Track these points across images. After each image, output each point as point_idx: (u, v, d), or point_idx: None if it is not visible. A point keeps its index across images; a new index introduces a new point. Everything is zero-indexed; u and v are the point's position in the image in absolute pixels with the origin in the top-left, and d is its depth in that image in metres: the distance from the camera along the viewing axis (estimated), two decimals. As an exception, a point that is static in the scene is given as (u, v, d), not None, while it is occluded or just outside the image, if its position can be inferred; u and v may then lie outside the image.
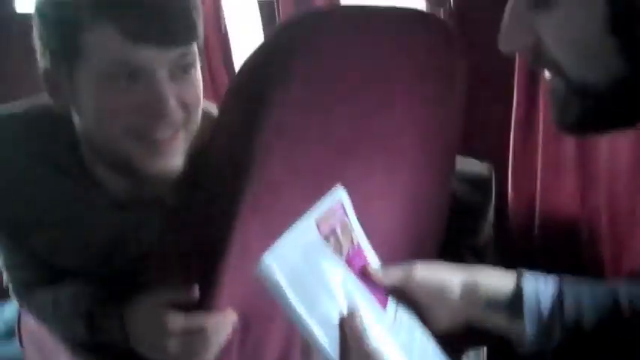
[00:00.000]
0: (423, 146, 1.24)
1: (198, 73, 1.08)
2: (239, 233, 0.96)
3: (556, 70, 0.78)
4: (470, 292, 0.99)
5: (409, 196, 1.25)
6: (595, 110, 0.78)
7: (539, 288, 0.97)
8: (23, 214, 1.13)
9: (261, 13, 2.12)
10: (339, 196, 0.98)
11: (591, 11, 0.72)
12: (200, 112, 1.09)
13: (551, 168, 1.48)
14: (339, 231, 0.95)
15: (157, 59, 0.99)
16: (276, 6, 2.05)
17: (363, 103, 1.08)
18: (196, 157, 1.09)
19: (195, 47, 1.06)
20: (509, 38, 0.80)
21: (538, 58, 0.79)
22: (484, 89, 1.32)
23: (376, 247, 1.06)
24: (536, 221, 1.53)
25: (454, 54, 1.22)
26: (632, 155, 1.39)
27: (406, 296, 1.01)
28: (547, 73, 0.82)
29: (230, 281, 0.98)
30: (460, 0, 1.52)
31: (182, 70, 1.03)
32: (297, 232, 0.89)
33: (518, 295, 0.97)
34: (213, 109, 1.21)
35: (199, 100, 1.08)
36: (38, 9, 1.03)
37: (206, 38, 2.25)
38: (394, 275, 1.01)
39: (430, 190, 1.30)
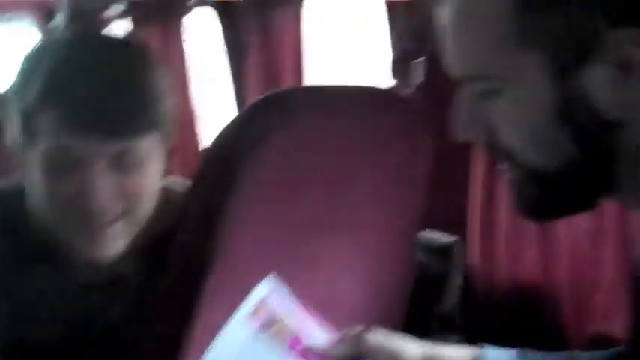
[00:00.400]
0: (387, 222, 1.25)
1: (147, 165, 1.05)
2: (206, 311, 0.96)
3: (510, 156, 0.80)
4: None
5: (374, 270, 1.26)
6: (552, 195, 0.80)
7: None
8: None
9: (233, 91, 2.15)
10: (267, 287, 0.97)
11: (538, 99, 0.75)
12: (150, 201, 1.07)
13: (514, 239, 1.51)
14: (275, 320, 0.95)
15: (95, 151, 0.98)
16: (246, 86, 2.09)
17: (328, 182, 1.10)
18: (162, 236, 1.09)
19: (146, 141, 1.02)
20: (464, 128, 0.83)
21: (491, 146, 0.82)
22: (447, 164, 1.36)
23: (343, 320, 1.06)
24: (500, 290, 1.55)
25: (418, 133, 1.24)
26: (592, 225, 1.43)
27: None
28: (504, 163, 0.84)
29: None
30: (429, 77, 1.56)
31: (126, 162, 1.01)
32: (230, 332, 0.89)
33: None
34: (178, 186, 1.21)
35: (144, 192, 1.06)
36: (5, 91, 1.06)
37: (176, 116, 2.29)
38: (346, 346, 0.99)
39: (395, 264, 1.31)
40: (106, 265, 1.06)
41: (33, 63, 1.03)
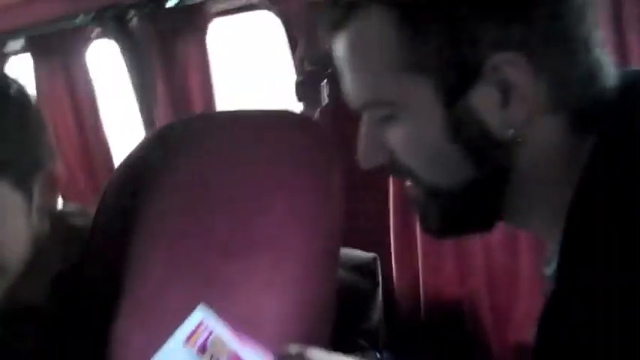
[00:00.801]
0: (306, 242, 1.25)
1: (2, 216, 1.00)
2: (121, 338, 0.94)
3: (411, 177, 0.82)
4: None
5: (295, 291, 1.25)
6: (452, 212, 0.82)
7: None
8: None
9: (142, 119, 2.13)
10: (201, 315, 0.96)
11: (429, 123, 0.77)
12: (16, 252, 1.03)
13: (431, 252, 1.53)
14: (210, 346, 0.94)
15: None
16: (154, 110, 2.07)
17: (241, 205, 1.09)
18: (69, 268, 1.06)
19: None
20: (367, 155, 0.85)
21: (395, 169, 0.84)
22: (363, 183, 1.37)
23: (266, 341, 1.05)
24: (422, 303, 1.56)
25: (328, 153, 1.25)
26: (505, 234, 1.45)
27: None
28: (408, 182, 0.86)
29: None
30: (335, 98, 1.58)
31: None
32: (165, 356, 0.88)
33: None
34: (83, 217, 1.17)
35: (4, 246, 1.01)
36: None
37: (88, 147, 2.26)
38: None
39: (316, 284, 1.31)
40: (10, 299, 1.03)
41: None
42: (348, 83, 0.83)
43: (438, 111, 0.76)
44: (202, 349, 0.93)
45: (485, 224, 0.85)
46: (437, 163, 0.79)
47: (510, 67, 0.74)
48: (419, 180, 0.82)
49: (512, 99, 0.74)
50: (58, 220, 1.10)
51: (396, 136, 0.80)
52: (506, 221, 0.86)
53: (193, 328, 0.94)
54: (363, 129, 0.84)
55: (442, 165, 0.79)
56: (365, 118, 0.84)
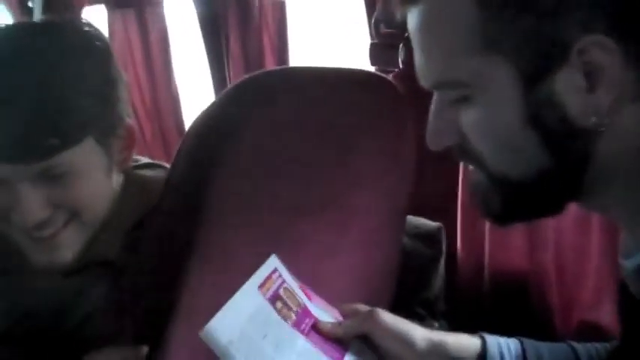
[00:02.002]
0: (373, 205, 1.25)
1: (84, 171, 0.99)
2: (189, 292, 0.95)
3: (479, 164, 0.80)
4: (437, 348, 0.97)
5: (360, 254, 1.25)
6: (516, 203, 0.80)
7: (503, 349, 0.97)
8: None
9: (212, 74, 2.13)
10: (273, 264, 0.97)
11: (508, 107, 0.74)
12: (99, 202, 1.03)
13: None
14: (283, 295, 0.95)
15: (14, 173, 0.94)
16: (226, 67, 2.07)
17: (313, 163, 1.09)
18: (142, 221, 1.07)
19: (75, 150, 0.96)
20: (436, 136, 0.83)
21: (463, 153, 0.82)
22: (433, 150, 1.34)
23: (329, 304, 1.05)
24: (486, 277, 1.54)
25: (403, 116, 1.24)
26: (578, 211, 1.42)
27: (371, 344, 0.98)
28: (471, 165, 0.84)
29: (179, 343, 0.97)
30: (409, 63, 1.55)
31: (52, 177, 0.96)
32: (241, 298, 0.88)
33: (482, 354, 0.97)
34: (158, 172, 1.19)
35: (85, 197, 1.01)
36: None
37: (157, 99, 2.28)
38: (356, 323, 0.98)
39: (380, 249, 1.31)
40: (60, 268, 1.04)
41: None
42: (421, 60, 0.81)
43: (517, 94, 0.74)
44: (275, 296, 0.93)
45: (551, 213, 0.83)
46: (510, 149, 0.77)
47: (599, 50, 0.70)
48: (486, 167, 0.79)
49: (598, 85, 0.71)
50: (130, 174, 1.11)
51: (469, 119, 0.78)
52: (580, 206, 0.84)
53: (266, 275, 0.94)
54: (434, 109, 0.82)
55: (516, 152, 0.76)
56: (436, 97, 0.82)
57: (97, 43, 1.02)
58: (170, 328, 0.96)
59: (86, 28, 1.03)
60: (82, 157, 0.98)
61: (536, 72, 0.73)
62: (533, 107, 0.73)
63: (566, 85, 0.72)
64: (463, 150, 0.81)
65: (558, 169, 0.76)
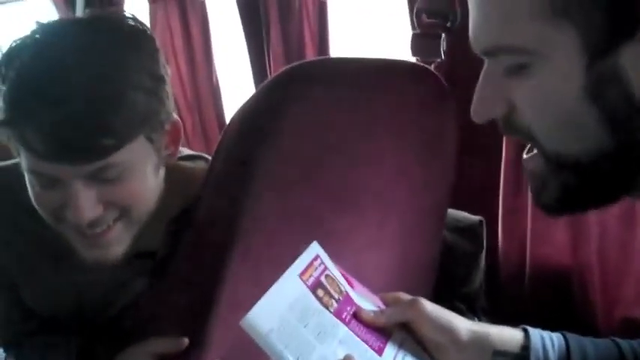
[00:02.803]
0: (414, 199, 1.24)
1: (134, 170, 0.99)
2: (230, 283, 0.95)
3: (529, 138, 0.76)
4: (480, 339, 0.95)
5: (400, 248, 1.25)
6: (575, 187, 0.76)
7: (546, 342, 0.96)
8: (12, 265, 1.13)
9: (252, 65, 2.13)
10: (315, 251, 0.96)
11: (568, 79, 0.71)
12: (147, 200, 1.03)
13: (542, 218, 1.48)
14: (324, 282, 0.94)
15: (68, 172, 0.94)
16: (267, 60, 2.07)
17: (353, 155, 1.08)
18: (184, 211, 1.08)
19: (127, 149, 0.96)
20: (482, 107, 0.78)
21: (511, 126, 0.78)
22: (475, 142, 1.33)
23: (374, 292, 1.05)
24: (527, 271, 1.52)
25: (445, 107, 1.22)
26: (622, 206, 1.39)
27: (413, 333, 0.97)
28: (525, 155, 0.80)
29: (220, 332, 0.97)
30: (451, 54, 1.54)
31: (107, 174, 0.96)
32: (282, 286, 0.88)
33: (525, 346, 0.95)
34: (200, 163, 1.19)
35: (135, 196, 1.01)
36: None
37: (198, 90, 2.29)
38: (398, 311, 0.97)
39: (421, 242, 1.30)
40: (111, 264, 1.05)
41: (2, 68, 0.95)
42: (478, 22, 0.76)
43: (580, 66, 0.69)
44: (316, 284, 0.93)
45: (609, 201, 0.79)
46: (567, 126, 0.72)
47: None
48: (538, 143, 0.75)
49: None
50: (172, 166, 1.11)
51: (524, 90, 0.74)
52: (634, 197, 0.80)
53: (308, 263, 0.94)
54: (483, 77, 0.78)
55: (573, 129, 0.72)
56: (488, 64, 0.78)
57: (145, 38, 1.02)
58: (211, 319, 0.96)
59: (132, 22, 1.02)
60: (133, 155, 0.98)
61: (603, 43, 0.68)
62: (595, 81, 0.69)
63: (633, 61, 0.68)
64: (511, 123, 0.77)
65: (618, 150, 0.72)
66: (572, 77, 0.70)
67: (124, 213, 1.01)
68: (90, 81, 0.91)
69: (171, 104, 1.04)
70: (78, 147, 0.91)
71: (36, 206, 1.01)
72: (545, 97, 0.73)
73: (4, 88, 0.93)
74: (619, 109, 0.70)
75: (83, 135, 0.91)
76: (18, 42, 0.96)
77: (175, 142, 1.08)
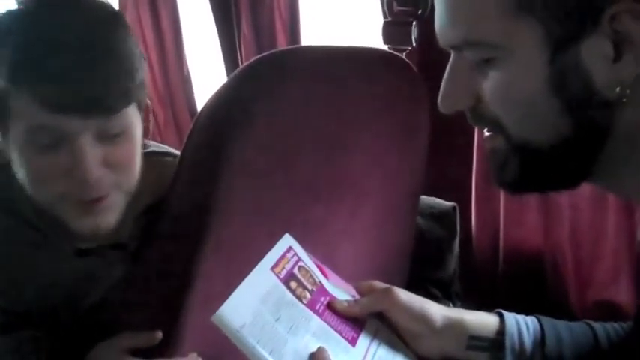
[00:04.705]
0: (388, 187, 1.24)
1: (132, 134, 1.03)
2: (202, 274, 0.95)
3: (497, 127, 0.78)
4: (455, 325, 0.96)
5: (374, 235, 1.25)
6: (534, 170, 0.78)
7: (521, 326, 0.97)
8: None
9: (223, 55, 2.12)
10: (287, 243, 0.96)
11: (532, 72, 0.73)
12: (136, 170, 1.05)
13: (514, 202, 1.49)
14: (297, 274, 0.94)
15: (78, 126, 0.95)
16: (238, 48, 2.06)
17: (327, 144, 1.08)
18: (155, 203, 1.07)
19: (128, 111, 1.00)
20: (450, 98, 0.80)
21: (478, 117, 0.80)
22: (446, 129, 1.33)
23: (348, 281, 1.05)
24: (501, 255, 1.53)
25: (417, 94, 1.23)
26: (593, 188, 1.40)
27: (388, 321, 0.97)
28: (487, 132, 0.82)
29: (194, 324, 0.97)
30: (422, 42, 1.54)
31: (112, 133, 0.99)
32: (253, 280, 0.88)
33: (500, 331, 0.96)
34: (171, 154, 1.19)
35: (132, 160, 1.04)
36: None
37: (169, 82, 2.28)
38: (371, 300, 0.97)
39: (395, 230, 1.31)
40: (102, 235, 1.04)
41: None
42: (445, 17, 0.78)
43: (544, 59, 0.72)
44: (289, 276, 0.92)
45: (567, 185, 0.81)
46: (531, 115, 0.75)
47: (631, 18, 0.69)
48: (505, 131, 0.77)
49: (624, 54, 0.70)
50: (145, 159, 1.11)
51: (490, 82, 0.76)
52: (593, 182, 0.82)
53: (280, 255, 0.94)
54: (450, 70, 0.80)
55: (536, 119, 0.75)
56: (454, 57, 0.80)
57: (122, 17, 1.06)
58: (184, 312, 0.96)
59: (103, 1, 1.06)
60: (131, 118, 1.01)
61: (565, 37, 0.71)
62: (558, 73, 0.72)
63: (594, 53, 0.71)
64: (478, 114, 0.79)
65: (578, 138, 0.74)
66: (536, 70, 0.73)
67: (120, 179, 1.02)
68: (101, 38, 0.97)
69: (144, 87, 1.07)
70: (94, 97, 0.94)
71: (29, 179, 1.00)
72: (509, 89, 0.75)
73: (8, 50, 0.95)
74: (579, 99, 0.73)
75: (100, 85, 0.94)
76: (14, 10, 1.00)
77: (146, 121, 1.10)
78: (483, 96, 0.77)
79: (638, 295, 0.80)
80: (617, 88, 0.71)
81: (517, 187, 0.83)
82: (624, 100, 0.72)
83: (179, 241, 1.00)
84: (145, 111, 1.08)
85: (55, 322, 1.13)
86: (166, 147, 1.22)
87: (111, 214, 1.03)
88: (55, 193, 1.00)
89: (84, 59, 0.93)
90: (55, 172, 0.98)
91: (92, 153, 0.97)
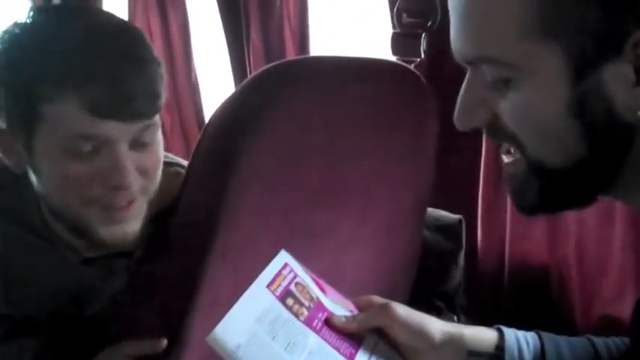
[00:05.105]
0: (394, 197, 1.24)
1: (158, 140, 1.06)
2: (208, 282, 0.95)
3: (514, 143, 0.78)
4: (454, 340, 0.96)
5: (379, 245, 1.25)
6: (553, 190, 0.78)
7: (521, 342, 0.96)
8: None
9: (232, 64, 2.13)
10: (284, 260, 0.95)
11: (553, 96, 0.72)
12: (159, 175, 1.08)
13: (521, 217, 1.48)
14: (294, 290, 0.93)
15: (119, 132, 0.98)
16: (247, 57, 2.06)
17: (335, 153, 1.08)
18: (167, 210, 1.07)
19: (157, 117, 1.04)
20: (466, 115, 0.79)
21: (495, 133, 0.79)
22: (454, 141, 1.33)
23: (346, 294, 1.03)
24: (506, 269, 1.53)
25: (426, 106, 1.23)
26: (600, 204, 1.40)
27: (386, 337, 0.97)
28: (505, 158, 0.82)
29: (199, 332, 0.96)
30: (431, 53, 1.54)
31: (143, 140, 1.02)
32: (249, 299, 0.87)
33: (500, 346, 0.96)
34: (179, 163, 1.20)
35: (158, 165, 1.07)
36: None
37: (177, 89, 2.28)
38: (369, 316, 0.97)
39: (400, 241, 1.31)
40: (128, 242, 1.06)
41: (32, 46, 0.98)
42: (463, 31, 0.76)
43: (565, 83, 0.71)
44: (285, 293, 0.92)
45: (586, 203, 0.81)
46: (550, 138, 0.74)
47: None
48: (523, 149, 0.77)
49: None
50: None
51: (508, 102, 0.75)
52: (611, 197, 0.82)
53: (276, 272, 0.93)
54: (467, 86, 0.79)
55: (555, 141, 0.74)
56: (471, 74, 0.79)
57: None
58: (189, 320, 0.96)
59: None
60: (157, 127, 1.05)
61: (587, 61, 0.70)
62: (579, 97, 0.71)
63: (615, 78, 0.70)
64: (495, 130, 0.78)
65: (595, 159, 0.74)
66: (557, 94, 0.72)
67: (147, 186, 1.05)
68: (136, 46, 1.01)
69: None
70: (135, 102, 0.97)
71: (59, 186, 1.01)
72: (528, 111, 0.74)
73: (51, 56, 0.96)
74: (600, 125, 0.72)
75: (140, 90, 0.97)
76: (50, 16, 1.03)
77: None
78: (500, 114, 0.77)
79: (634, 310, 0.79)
80: (639, 112, 0.71)
81: (536, 210, 0.82)
82: None
83: (186, 247, 1.00)
84: None
85: (57, 329, 1.13)
86: (172, 156, 1.22)
87: (136, 221, 1.05)
88: (86, 199, 1.01)
89: (128, 66, 0.97)
90: (90, 178, 0.99)
91: (129, 157, 1.00)
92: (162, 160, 1.08)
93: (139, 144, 1.01)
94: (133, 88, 0.97)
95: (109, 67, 0.96)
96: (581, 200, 0.81)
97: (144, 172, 1.03)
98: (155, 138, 1.04)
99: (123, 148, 0.99)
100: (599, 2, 0.68)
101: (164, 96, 1.03)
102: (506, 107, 0.76)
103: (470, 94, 0.79)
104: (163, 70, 1.04)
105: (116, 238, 1.04)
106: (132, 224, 1.04)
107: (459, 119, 0.80)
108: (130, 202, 1.03)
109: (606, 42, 0.69)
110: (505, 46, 0.73)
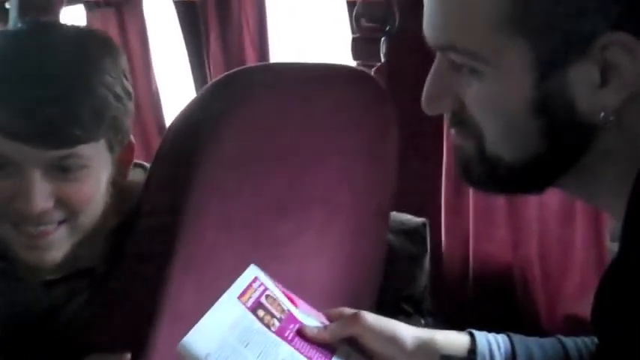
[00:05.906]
0: (357, 202, 1.24)
1: (91, 173, 1.00)
2: (171, 295, 0.94)
3: (475, 136, 0.77)
4: (426, 345, 0.96)
5: (344, 251, 1.25)
6: (501, 178, 0.78)
7: (492, 345, 0.96)
8: None
9: (192, 73, 2.12)
10: (253, 274, 0.95)
11: (517, 92, 0.72)
12: (96, 208, 1.03)
13: (483, 217, 1.50)
14: (265, 302, 0.93)
15: (28, 156, 0.94)
16: (207, 66, 2.06)
17: (295, 161, 1.08)
18: (123, 226, 1.06)
19: (87, 148, 0.97)
20: (434, 100, 0.79)
21: (459, 121, 0.79)
22: (415, 143, 1.34)
23: (313, 302, 1.03)
24: (471, 270, 1.54)
25: (385, 111, 1.23)
26: (562, 203, 1.42)
27: (359, 347, 0.96)
28: (454, 131, 0.81)
29: (163, 346, 0.95)
30: (391, 57, 1.55)
31: (64, 170, 0.97)
32: (219, 308, 0.86)
33: (472, 350, 0.96)
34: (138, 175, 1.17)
35: (86, 199, 1.01)
36: None
37: (137, 99, 2.26)
38: (340, 326, 0.96)
39: (365, 246, 1.30)
40: (48, 269, 1.03)
41: None
42: (436, 15, 0.76)
43: (529, 79, 0.71)
44: (256, 305, 0.91)
45: (535, 191, 0.82)
46: (511, 132, 0.74)
47: (621, 49, 0.68)
48: (482, 141, 0.76)
49: (610, 82, 0.70)
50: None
51: (473, 91, 0.75)
52: (566, 192, 0.83)
53: (246, 285, 0.92)
54: (435, 70, 0.79)
55: (515, 136, 0.74)
56: (439, 58, 0.78)
57: (120, 54, 1.07)
58: (153, 332, 0.95)
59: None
60: (94, 156, 0.99)
61: (554, 60, 0.71)
62: (542, 95, 0.72)
63: (580, 78, 0.70)
64: (459, 118, 0.78)
65: (552, 156, 0.74)
66: (521, 90, 0.72)
67: (71, 216, 1.00)
68: (66, 70, 0.96)
69: (130, 123, 1.06)
70: (49, 128, 0.93)
71: None
72: (492, 103, 0.74)
73: None
74: (561, 123, 0.72)
75: (56, 117, 0.93)
76: None
77: (127, 162, 1.09)
78: (466, 102, 0.77)
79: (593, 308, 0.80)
80: (602, 114, 0.71)
81: (481, 187, 0.83)
82: (607, 125, 0.71)
83: (147, 260, 0.98)
84: (128, 150, 1.07)
85: (20, 347, 1.11)
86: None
87: (55, 251, 1.01)
88: (3, 221, 0.99)
89: (44, 91, 0.93)
90: (3, 198, 0.97)
91: (40, 185, 0.95)
92: (96, 193, 1.02)
93: (58, 172, 0.97)
94: (41, 114, 0.92)
95: (19, 90, 0.93)
96: (530, 189, 0.81)
97: (65, 203, 0.99)
98: (83, 169, 0.98)
99: (34, 173, 0.95)
100: (570, 4, 0.68)
101: (108, 128, 0.99)
102: (472, 96, 0.76)
103: (439, 79, 0.78)
104: (118, 102, 0.99)
105: (34, 265, 1.01)
106: (51, 253, 1.01)
107: (427, 103, 0.79)
108: (49, 230, 0.99)
109: (574, 42, 0.69)
110: (474, 37, 0.73)
